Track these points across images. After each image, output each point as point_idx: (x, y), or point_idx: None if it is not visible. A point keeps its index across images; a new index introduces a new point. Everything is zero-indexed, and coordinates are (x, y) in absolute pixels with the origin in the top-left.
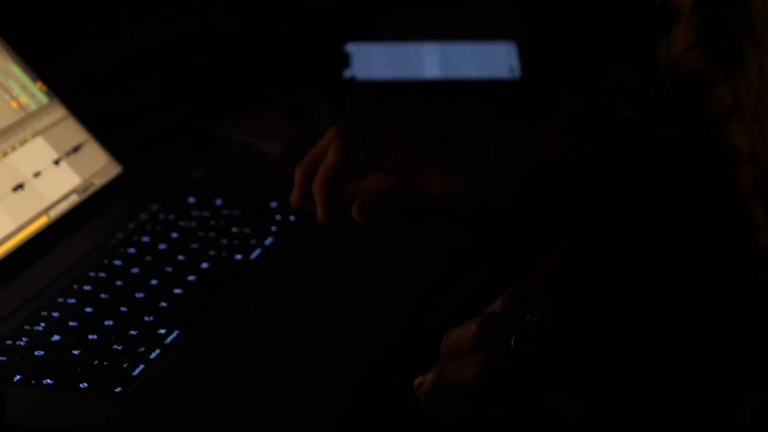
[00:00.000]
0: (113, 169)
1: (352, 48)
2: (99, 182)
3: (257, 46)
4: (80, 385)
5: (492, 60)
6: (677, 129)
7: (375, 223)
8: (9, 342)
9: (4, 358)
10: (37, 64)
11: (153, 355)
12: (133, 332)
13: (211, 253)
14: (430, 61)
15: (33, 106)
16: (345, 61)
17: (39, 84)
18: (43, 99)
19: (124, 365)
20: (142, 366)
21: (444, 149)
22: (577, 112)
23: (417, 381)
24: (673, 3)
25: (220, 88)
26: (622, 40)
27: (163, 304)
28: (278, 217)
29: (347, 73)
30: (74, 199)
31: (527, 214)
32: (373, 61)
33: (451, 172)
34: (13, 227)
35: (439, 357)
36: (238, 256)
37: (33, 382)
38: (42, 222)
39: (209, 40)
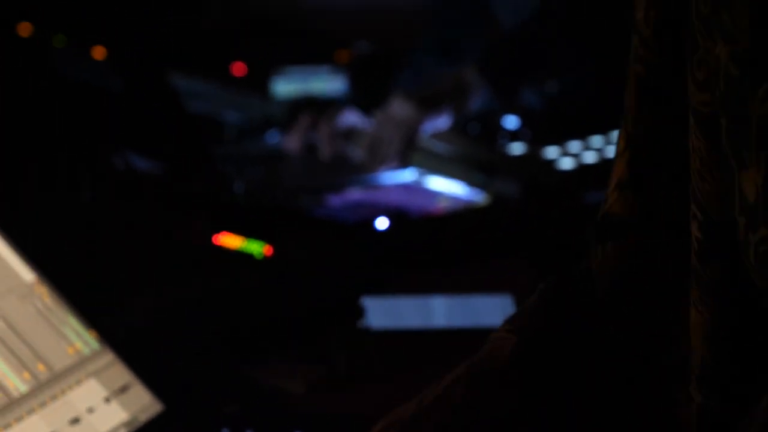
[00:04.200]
0: (155, 407)
1: (367, 301)
2: (143, 418)
3: (283, 302)
4: None
5: (491, 310)
6: None
7: None
8: None
9: None
10: (90, 315)
11: None
12: None
13: None
14: (437, 312)
15: (86, 352)
16: (361, 312)
17: (92, 332)
18: (95, 345)
19: None
20: None
21: None
22: None
23: None
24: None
25: (252, 337)
26: None
27: None
28: None
29: (363, 323)
30: None
31: None
32: (386, 312)
33: None
34: None
35: None
36: None
37: None
38: None
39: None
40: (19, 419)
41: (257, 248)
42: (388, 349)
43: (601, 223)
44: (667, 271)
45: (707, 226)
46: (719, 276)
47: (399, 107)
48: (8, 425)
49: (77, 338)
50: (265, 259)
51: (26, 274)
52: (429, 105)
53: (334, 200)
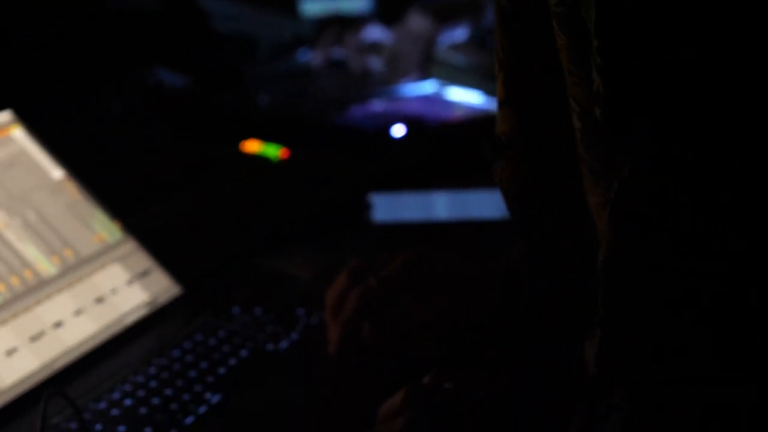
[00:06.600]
0: (174, 289)
1: (374, 197)
2: (162, 299)
3: (294, 200)
4: None
5: (490, 203)
6: None
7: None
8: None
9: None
10: (114, 210)
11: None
12: (185, 396)
13: (248, 344)
14: (440, 205)
15: (111, 241)
16: (368, 207)
17: (116, 223)
18: (119, 235)
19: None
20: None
21: (425, 278)
22: None
23: None
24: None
25: (267, 232)
26: None
27: (210, 378)
28: (303, 320)
29: (369, 217)
30: (143, 311)
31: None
32: (392, 206)
33: (431, 297)
34: (95, 329)
35: None
36: (270, 346)
37: None
38: (117, 327)
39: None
40: (49, 297)
41: (273, 152)
42: (392, 240)
43: (492, 141)
44: (560, 179)
45: (584, 115)
46: (604, 157)
47: (416, 21)
48: (39, 302)
49: (103, 228)
50: (281, 162)
51: (56, 171)
52: (445, 18)
53: (357, 111)
